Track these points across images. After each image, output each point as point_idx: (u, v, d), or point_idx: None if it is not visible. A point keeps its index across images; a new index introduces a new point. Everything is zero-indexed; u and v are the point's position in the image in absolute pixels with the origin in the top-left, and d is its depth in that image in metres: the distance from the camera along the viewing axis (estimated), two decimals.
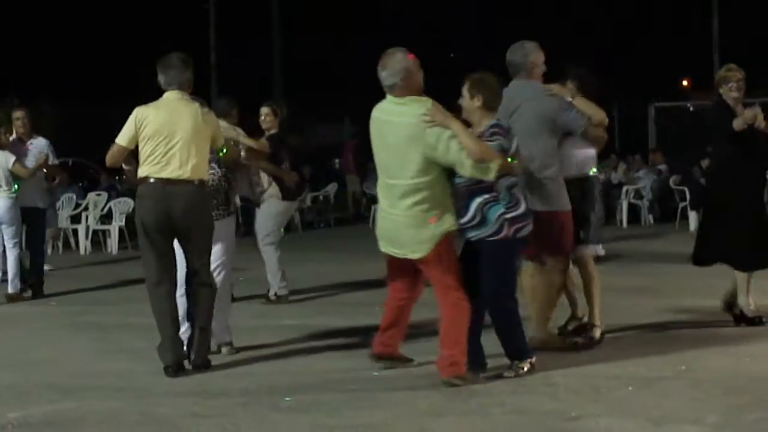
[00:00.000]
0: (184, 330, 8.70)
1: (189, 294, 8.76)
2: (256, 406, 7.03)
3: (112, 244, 20.49)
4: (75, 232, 21.11)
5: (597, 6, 41.26)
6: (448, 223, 7.41)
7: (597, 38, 39.07)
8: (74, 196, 22.10)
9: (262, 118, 12.51)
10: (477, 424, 6.38)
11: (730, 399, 6.74)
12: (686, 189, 22.34)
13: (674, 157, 25.79)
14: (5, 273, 13.22)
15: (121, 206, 21.19)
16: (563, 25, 39.93)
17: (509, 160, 7.37)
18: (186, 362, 8.42)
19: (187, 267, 8.64)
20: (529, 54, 9.04)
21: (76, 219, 21.27)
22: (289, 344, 9.57)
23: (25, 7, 47.37)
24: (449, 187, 7.52)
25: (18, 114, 13.91)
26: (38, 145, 13.70)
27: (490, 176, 7.30)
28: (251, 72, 34.46)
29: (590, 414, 6.45)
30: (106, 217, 21.07)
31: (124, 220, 20.88)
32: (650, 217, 23.53)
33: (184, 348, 8.55)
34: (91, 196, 22.12)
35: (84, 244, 20.66)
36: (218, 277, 9.00)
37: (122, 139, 8.46)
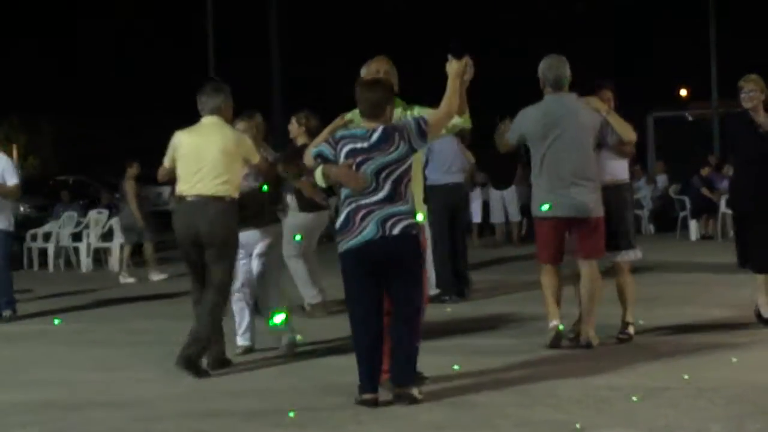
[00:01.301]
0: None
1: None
2: (258, 422, 7.02)
3: (113, 261, 20.46)
4: (76, 250, 21.13)
5: (596, 16, 41.43)
6: None
7: (596, 48, 39.14)
8: (75, 215, 22.16)
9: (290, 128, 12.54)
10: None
11: (733, 408, 6.72)
12: (686, 198, 22.32)
13: (673, 167, 25.83)
14: None
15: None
16: (563, 34, 40.02)
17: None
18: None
19: (211, 277, 9.02)
20: (567, 69, 9.26)
21: (77, 237, 21.30)
22: (299, 355, 9.66)
23: (28, 27, 47.44)
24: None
25: None
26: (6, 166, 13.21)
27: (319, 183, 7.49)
28: (251, 90, 34.59)
29: (595, 425, 6.43)
30: (107, 235, 21.06)
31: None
32: (651, 227, 23.53)
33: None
34: (92, 214, 22.15)
35: (85, 262, 20.68)
36: (257, 270, 9.85)
37: (166, 159, 9.23)
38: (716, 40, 31.58)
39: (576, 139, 9.18)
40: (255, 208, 9.73)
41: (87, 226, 21.46)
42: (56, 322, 13.10)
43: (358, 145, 6.95)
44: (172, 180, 9.37)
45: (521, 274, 14.70)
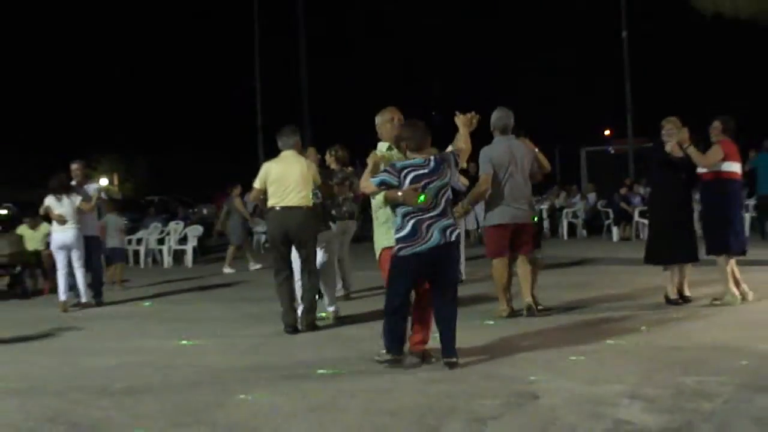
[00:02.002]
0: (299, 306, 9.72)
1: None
2: (295, 377, 7.02)
3: (188, 258, 20.51)
4: (160, 251, 21.17)
5: (541, 71, 41.42)
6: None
7: (542, 99, 39.23)
8: (159, 225, 22.23)
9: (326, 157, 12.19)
10: (458, 386, 6.37)
11: (645, 364, 6.74)
12: (610, 210, 22.38)
13: (600, 187, 25.88)
14: (71, 287, 12.73)
15: (194, 231, 21.35)
16: (514, 81, 40.14)
17: (421, 196, 6.77)
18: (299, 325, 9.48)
19: (300, 261, 9.71)
20: (512, 119, 9.64)
21: (161, 241, 21.35)
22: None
23: (124, 78, 47.49)
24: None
25: (75, 165, 13.33)
26: (90, 189, 13.27)
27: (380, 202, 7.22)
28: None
29: (543, 377, 6.45)
30: (183, 240, 21.13)
31: (196, 242, 21.03)
32: (584, 232, 23.49)
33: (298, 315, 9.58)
34: (172, 224, 22.22)
35: (167, 260, 20.72)
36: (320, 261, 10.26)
37: (257, 183, 9.67)
38: (631, 95, 31.63)
39: (524, 170, 9.51)
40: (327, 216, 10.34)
41: (168, 233, 21.48)
42: (146, 304, 13.13)
43: (421, 172, 6.80)
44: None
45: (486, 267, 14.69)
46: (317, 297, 9.96)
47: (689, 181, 9.86)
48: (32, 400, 6.72)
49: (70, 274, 12.65)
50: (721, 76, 36.75)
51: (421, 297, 7.17)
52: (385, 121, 7.48)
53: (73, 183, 12.95)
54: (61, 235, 12.52)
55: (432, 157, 6.90)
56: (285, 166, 9.59)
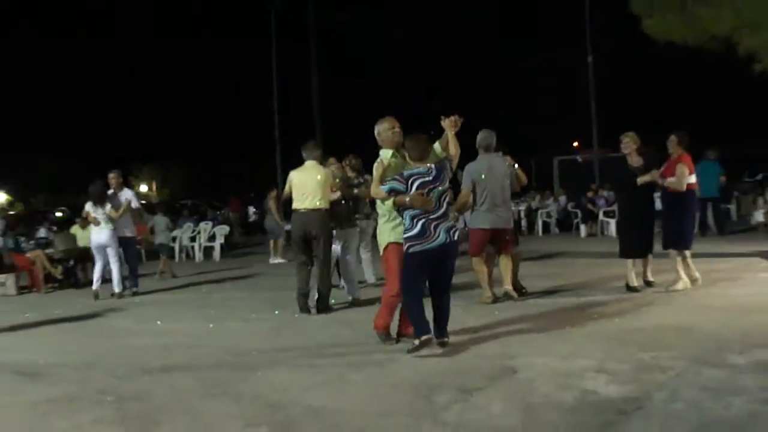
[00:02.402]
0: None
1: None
2: (308, 355, 7.04)
3: (216, 254, 20.51)
4: (192, 247, 21.18)
5: (521, 93, 41.55)
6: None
7: (522, 117, 39.31)
8: (192, 225, 22.22)
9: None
10: (448, 363, 6.39)
11: (609, 343, 6.74)
12: (578, 211, 22.37)
13: (570, 191, 25.87)
14: (105, 278, 12.76)
15: (221, 230, 21.36)
16: (499, 102, 40.20)
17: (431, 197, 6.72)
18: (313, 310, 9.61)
19: (318, 256, 9.71)
20: (494, 139, 9.69)
21: (193, 239, 21.35)
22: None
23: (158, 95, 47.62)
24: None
25: (111, 174, 13.22)
26: (125, 195, 13.07)
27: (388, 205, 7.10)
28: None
29: (522, 354, 6.46)
30: (212, 238, 21.12)
31: (223, 239, 21.03)
32: (556, 229, 23.48)
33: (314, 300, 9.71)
34: (202, 225, 22.20)
35: (198, 255, 20.72)
36: (346, 257, 10.53)
37: (286, 188, 9.97)
38: (595, 112, 31.63)
39: (502, 182, 9.54)
40: (338, 218, 10.23)
41: (199, 232, 21.46)
42: (181, 292, 13.16)
43: (426, 179, 6.73)
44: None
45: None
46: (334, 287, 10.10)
47: (648, 187, 9.89)
48: (86, 374, 6.77)
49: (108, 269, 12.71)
50: (672, 94, 36.84)
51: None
52: (387, 130, 7.33)
53: (110, 190, 12.92)
54: (96, 236, 12.61)
55: (433, 166, 6.84)
56: (305, 174, 9.77)
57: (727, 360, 5.91)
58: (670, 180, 9.68)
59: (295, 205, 9.77)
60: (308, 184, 9.68)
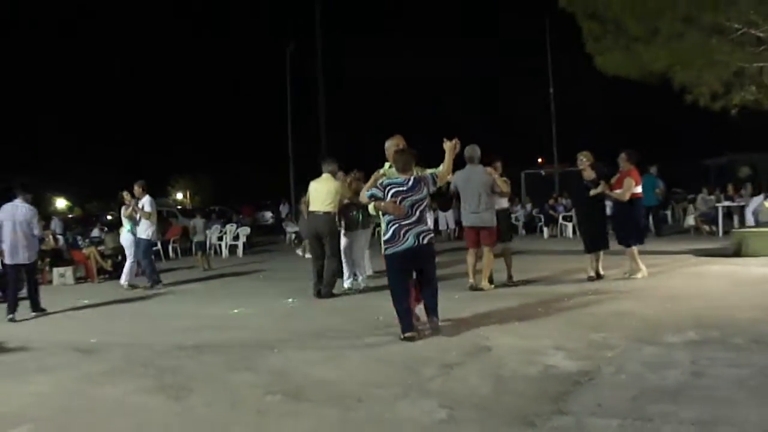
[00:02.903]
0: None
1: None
2: (315, 336, 7.02)
3: (239, 251, 20.47)
4: (219, 246, 21.14)
5: (494, 119, 41.62)
6: None
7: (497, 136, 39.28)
8: (218, 226, 22.19)
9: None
10: (432, 342, 6.38)
11: (567, 326, 6.75)
12: (542, 215, 22.38)
13: (535, 199, 25.88)
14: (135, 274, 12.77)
15: (244, 231, 21.31)
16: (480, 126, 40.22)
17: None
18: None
19: (327, 251, 9.87)
20: (478, 152, 9.64)
21: (220, 239, 21.32)
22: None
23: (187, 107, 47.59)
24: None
25: (136, 185, 12.55)
26: (145, 201, 12.39)
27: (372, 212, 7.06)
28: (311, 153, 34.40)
29: (495, 335, 6.46)
30: (236, 238, 21.08)
31: (245, 239, 20.97)
32: (523, 231, 23.47)
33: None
34: (228, 226, 22.17)
35: (224, 252, 20.68)
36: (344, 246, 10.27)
37: (307, 195, 10.15)
38: (556, 133, 31.75)
39: (479, 190, 9.50)
40: (349, 223, 10.28)
41: (225, 233, 21.43)
42: (211, 283, 13.13)
43: (401, 189, 6.54)
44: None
45: (454, 256, 14.70)
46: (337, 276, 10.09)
47: (600, 196, 9.97)
48: (130, 350, 6.76)
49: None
50: (620, 118, 36.95)
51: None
52: (392, 146, 7.08)
53: (134, 197, 12.48)
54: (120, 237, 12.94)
55: (412, 177, 6.63)
56: (320, 184, 9.99)
57: (664, 339, 5.92)
58: (617, 192, 9.89)
59: (309, 208, 9.98)
60: (321, 192, 9.88)
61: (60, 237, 19.33)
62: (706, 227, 18.22)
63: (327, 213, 9.86)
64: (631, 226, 10.00)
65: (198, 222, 17.26)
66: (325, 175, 10.04)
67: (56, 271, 14.32)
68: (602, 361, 5.33)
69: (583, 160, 9.93)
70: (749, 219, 16.10)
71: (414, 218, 6.58)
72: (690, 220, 19.03)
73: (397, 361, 5.68)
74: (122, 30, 51.01)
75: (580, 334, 6.29)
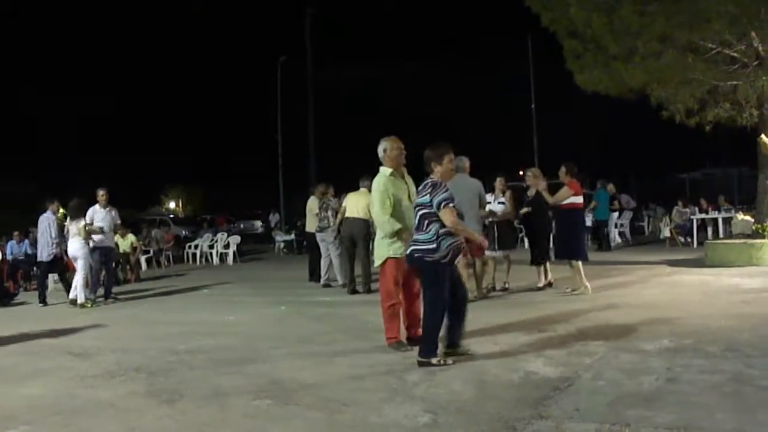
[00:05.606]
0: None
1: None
2: (304, 341, 7.01)
3: (230, 260, 20.40)
4: (210, 254, 21.06)
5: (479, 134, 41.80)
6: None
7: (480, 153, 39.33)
8: (210, 235, 22.15)
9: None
10: (415, 349, 6.34)
11: (547, 334, 6.75)
12: (522, 227, 22.33)
13: (517, 209, 25.92)
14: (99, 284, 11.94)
15: (234, 240, 21.26)
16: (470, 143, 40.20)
17: None
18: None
19: (360, 253, 11.13)
20: (466, 162, 9.52)
21: (211, 247, 21.24)
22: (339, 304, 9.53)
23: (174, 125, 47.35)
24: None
25: (101, 191, 11.95)
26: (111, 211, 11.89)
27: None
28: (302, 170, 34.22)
29: (477, 342, 6.42)
30: (227, 246, 21.02)
31: (236, 247, 20.91)
32: None
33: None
34: (219, 235, 22.16)
35: (215, 260, 20.60)
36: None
37: (343, 204, 11.56)
38: (537, 148, 32.01)
39: (472, 198, 9.28)
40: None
41: (216, 241, 21.38)
42: (205, 290, 13.06)
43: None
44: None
45: None
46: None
47: (543, 210, 10.25)
48: (123, 355, 6.72)
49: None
50: (598, 132, 37.05)
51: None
52: (394, 149, 6.48)
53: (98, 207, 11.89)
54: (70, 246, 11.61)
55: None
56: (357, 195, 11.29)
57: (639, 347, 5.95)
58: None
59: (347, 215, 11.26)
60: (359, 202, 11.12)
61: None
62: (681, 238, 18.37)
63: (362, 219, 11.00)
64: (573, 241, 9.61)
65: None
66: (362, 189, 11.13)
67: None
68: (581, 368, 5.34)
69: (529, 175, 10.29)
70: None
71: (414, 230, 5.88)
72: (666, 232, 19.18)
73: (382, 367, 5.67)
74: (121, 40, 50.73)
75: (559, 342, 6.30)
